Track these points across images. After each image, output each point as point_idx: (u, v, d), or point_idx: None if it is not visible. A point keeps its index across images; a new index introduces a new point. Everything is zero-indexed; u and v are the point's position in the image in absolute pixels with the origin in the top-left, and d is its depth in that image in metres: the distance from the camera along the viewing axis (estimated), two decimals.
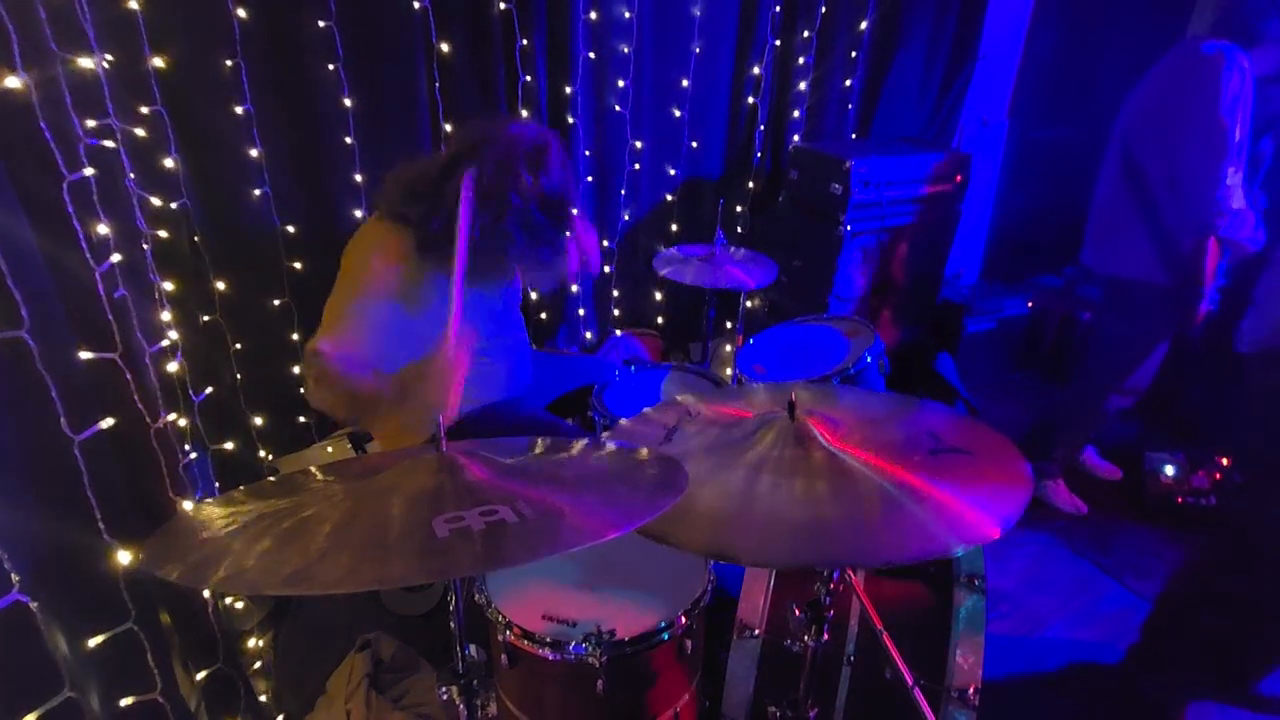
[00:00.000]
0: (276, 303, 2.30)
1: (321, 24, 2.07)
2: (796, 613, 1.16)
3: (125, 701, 1.20)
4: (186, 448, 1.59)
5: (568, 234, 1.72)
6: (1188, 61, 2.14)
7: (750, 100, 3.00)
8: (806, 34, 2.97)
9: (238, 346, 2.25)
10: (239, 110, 2.04)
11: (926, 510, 0.90)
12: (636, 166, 2.85)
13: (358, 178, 2.27)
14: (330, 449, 2.46)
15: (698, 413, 1.24)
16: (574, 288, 2.85)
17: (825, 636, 1.16)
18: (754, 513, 0.94)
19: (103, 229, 1.25)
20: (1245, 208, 2.09)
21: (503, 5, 2.32)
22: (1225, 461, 2.59)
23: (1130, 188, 2.27)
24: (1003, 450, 1.05)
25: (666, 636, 1.29)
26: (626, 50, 2.62)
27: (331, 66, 2.12)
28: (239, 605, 1.98)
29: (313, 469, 1.04)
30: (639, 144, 2.81)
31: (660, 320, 3.16)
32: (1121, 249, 2.33)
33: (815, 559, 0.96)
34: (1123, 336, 2.46)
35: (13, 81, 1.05)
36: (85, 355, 1.16)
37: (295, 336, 2.36)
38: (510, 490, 0.88)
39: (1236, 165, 2.05)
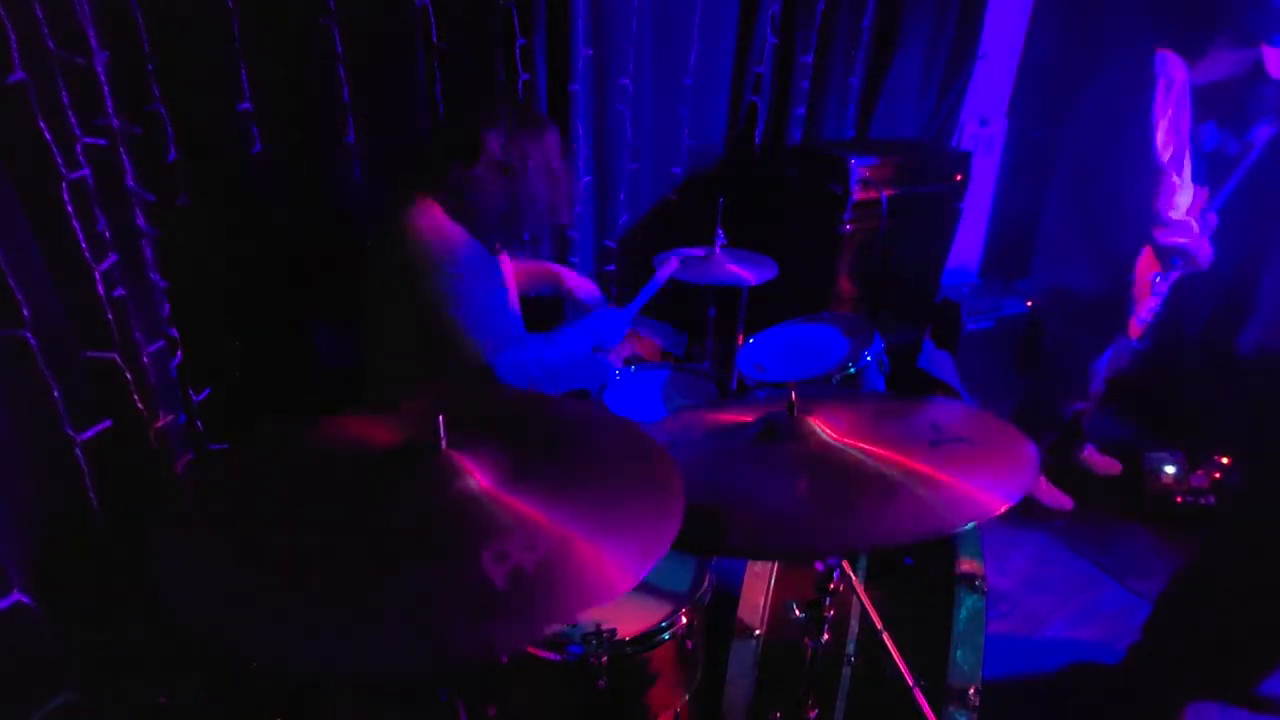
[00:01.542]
0: (276, 302, 2.30)
1: (321, 23, 2.07)
2: (796, 613, 1.16)
3: (126, 700, 1.20)
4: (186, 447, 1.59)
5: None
6: (1122, 70, 2.14)
7: (750, 99, 3.00)
8: (806, 32, 2.96)
9: (238, 346, 2.25)
10: (239, 109, 2.04)
11: (931, 492, 0.91)
12: (636, 166, 2.85)
13: (357, 177, 2.27)
14: None
15: (700, 421, 1.25)
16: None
17: (825, 636, 1.16)
18: (758, 509, 0.95)
19: (102, 228, 1.25)
20: (1188, 219, 2.11)
21: (502, 3, 2.32)
22: (1225, 461, 2.59)
23: (1072, 198, 2.30)
24: (1003, 432, 1.06)
25: (667, 636, 1.29)
26: (626, 49, 2.61)
27: (331, 66, 2.12)
28: None
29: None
30: (639, 143, 2.80)
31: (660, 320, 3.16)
32: (1061, 259, 2.37)
33: (824, 547, 0.96)
34: (1067, 343, 2.51)
35: (11, 80, 1.05)
36: (85, 355, 1.16)
37: (295, 336, 2.36)
38: (526, 515, 0.82)
39: (1175, 179, 2.05)
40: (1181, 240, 2.14)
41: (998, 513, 0.87)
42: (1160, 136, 2.02)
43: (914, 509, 0.89)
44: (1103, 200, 2.22)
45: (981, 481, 0.93)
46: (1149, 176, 2.06)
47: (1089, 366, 2.46)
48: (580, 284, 2.17)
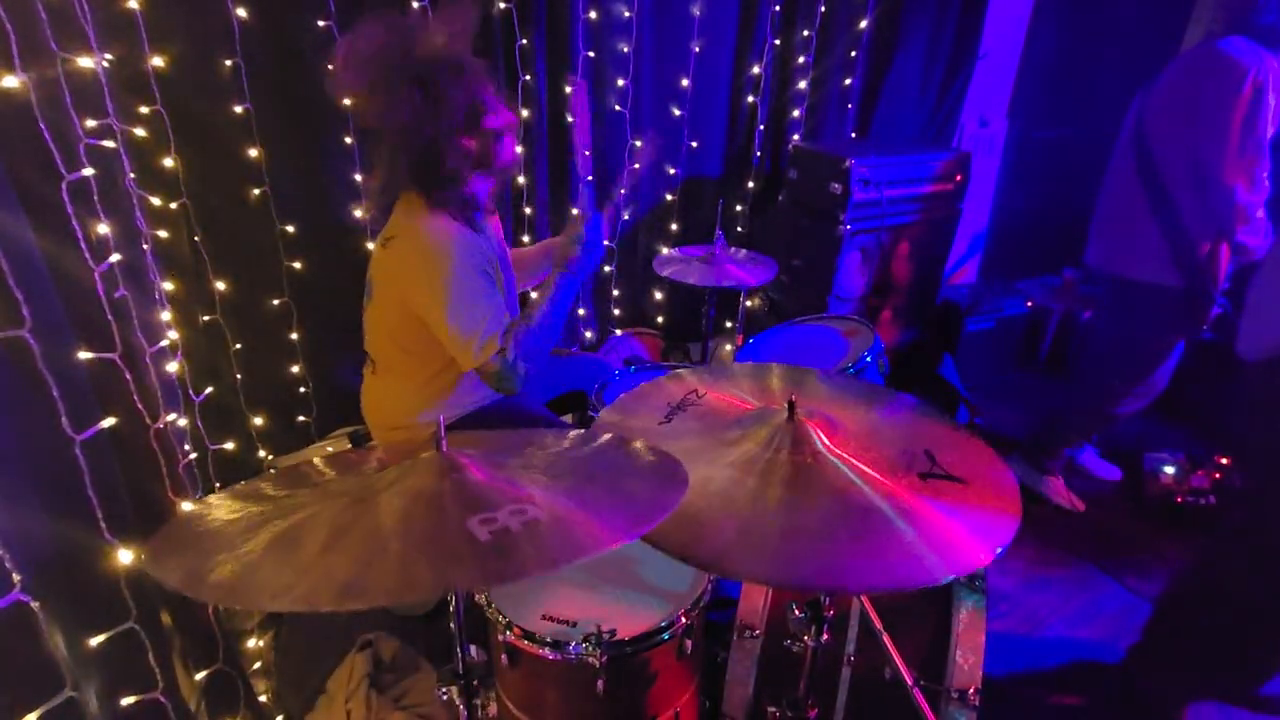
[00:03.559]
0: (276, 302, 2.30)
1: (321, 24, 2.07)
2: (796, 613, 1.16)
3: (126, 701, 1.20)
4: (186, 447, 1.59)
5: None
6: (1213, 63, 2.07)
7: (750, 99, 3.00)
8: (806, 33, 2.97)
9: (238, 346, 2.25)
10: (238, 110, 2.04)
11: (916, 532, 0.87)
12: (636, 166, 2.85)
13: (357, 178, 2.27)
14: (330, 448, 2.47)
15: (704, 394, 1.23)
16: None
17: (825, 636, 1.16)
18: (734, 517, 0.91)
19: (103, 229, 1.25)
20: (1264, 217, 2.08)
21: (502, 4, 2.32)
22: (1225, 461, 2.59)
23: (1146, 187, 2.22)
24: (994, 471, 1.02)
25: (667, 636, 1.29)
26: (626, 49, 2.62)
27: (331, 66, 2.12)
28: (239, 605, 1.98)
29: (314, 460, 1.04)
30: (639, 143, 2.81)
31: (660, 320, 3.16)
32: (1132, 249, 2.28)
33: (797, 578, 0.89)
34: (1130, 338, 2.43)
35: (12, 81, 1.05)
36: (85, 355, 1.16)
37: (295, 336, 2.36)
38: (519, 493, 0.87)
39: (1264, 175, 2.01)
40: (1256, 241, 2.09)
41: (983, 565, 0.85)
42: (1260, 123, 1.96)
43: (895, 554, 0.85)
44: (1182, 191, 2.14)
45: (967, 525, 0.90)
46: (1242, 173, 2.00)
47: (1159, 363, 2.37)
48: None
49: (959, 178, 3.00)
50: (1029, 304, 3.46)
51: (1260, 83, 1.96)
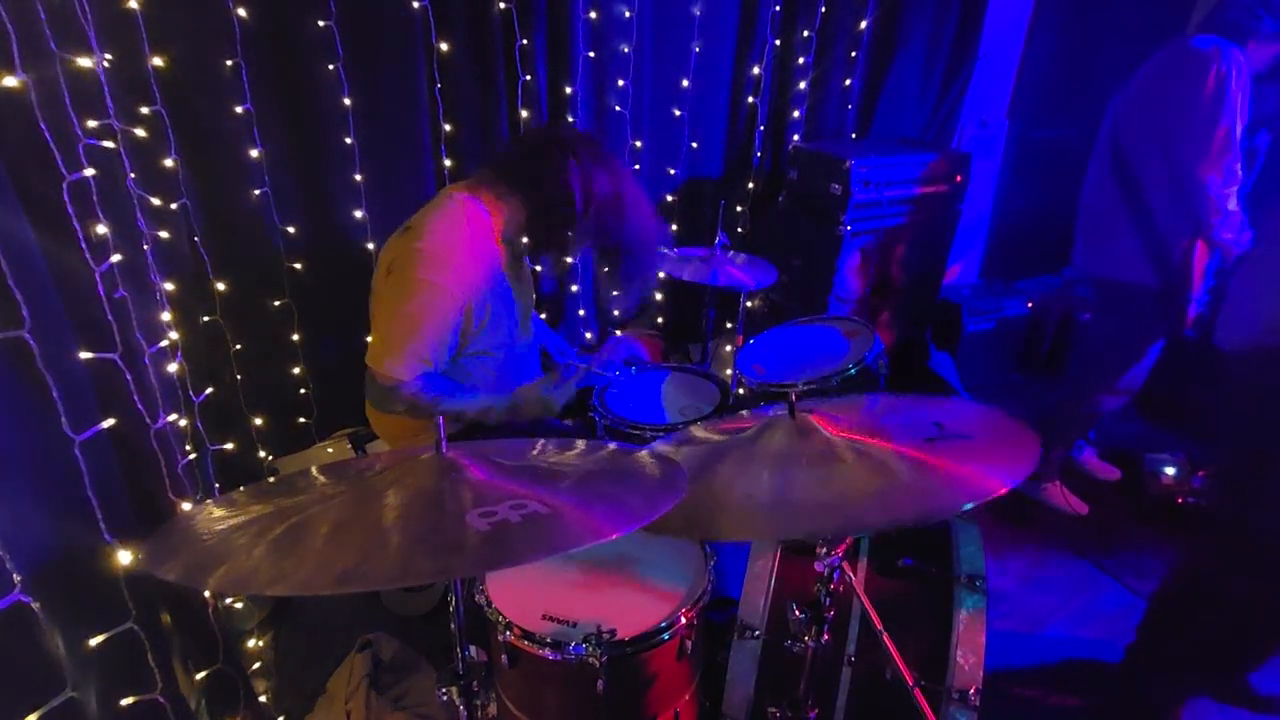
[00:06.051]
0: (276, 303, 2.30)
1: (321, 24, 2.07)
2: (796, 613, 1.16)
3: (126, 701, 1.20)
4: (186, 448, 1.59)
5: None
6: (1180, 59, 2.11)
7: (750, 100, 3.00)
8: (806, 33, 2.97)
9: (238, 346, 2.25)
10: (239, 110, 2.04)
11: (934, 477, 0.93)
12: (636, 166, 2.85)
13: (358, 178, 2.27)
14: (330, 449, 2.46)
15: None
16: (574, 287, 2.86)
17: (825, 637, 1.17)
18: (753, 497, 0.97)
19: (103, 229, 1.25)
20: (1238, 210, 2.09)
21: (502, 5, 2.32)
22: None
23: (1121, 188, 2.25)
24: (1008, 427, 1.06)
25: (667, 636, 1.29)
26: (626, 50, 2.61)
27: (331, 66, 2.12)
28: (239, 605, 1.99)
29: (312, 470, 1.04)
30: (639, 144, 2.81)
31: (660, 320, 3.16)
32: (1111, 251, 2.31)
33: (842, 526, 0.99)
34: (1115, 338, 2.45)
35: (12, 81, 1.05)
36: (85, 355, 1.16)
37: (295, 337, 2.36)
38: (517, 490, 0.88)
39: (1236, 166, 2.03)
40: (1231, 236, 2.10)
41: (999, 493, 0.86)
42: (1227, 119, 1.98)
43: (911, 494, 0.91)
44: (1156, 190, 2.17)
45: (980, 468, 0.93)
46: (1214, 166, 2.02)
47: (1137, 361, 2.40)
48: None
49: (959, 178, 3.00)
50: (1029, 304, 3.46)
51: (1224, 75, 1.98)
